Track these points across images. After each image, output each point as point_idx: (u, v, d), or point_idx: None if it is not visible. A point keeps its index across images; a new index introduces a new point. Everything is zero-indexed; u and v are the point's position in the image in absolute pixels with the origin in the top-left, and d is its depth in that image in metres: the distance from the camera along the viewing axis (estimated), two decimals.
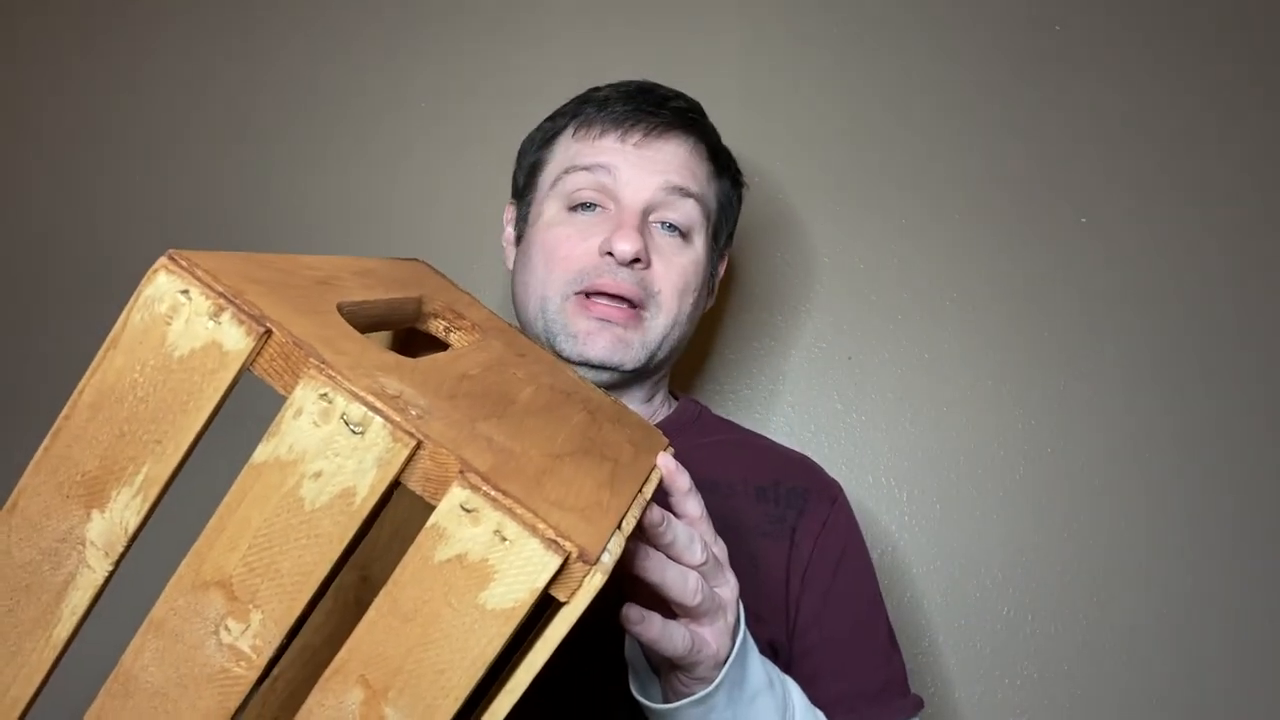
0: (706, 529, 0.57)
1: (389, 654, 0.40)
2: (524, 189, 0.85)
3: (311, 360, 0.39)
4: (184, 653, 0.41)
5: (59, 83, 1.21)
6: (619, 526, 0.45)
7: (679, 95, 0.84)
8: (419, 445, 0.39)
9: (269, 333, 0.39)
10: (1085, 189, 1.08)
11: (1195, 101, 1.09)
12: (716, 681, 0.57)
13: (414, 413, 0.40)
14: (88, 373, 0.40)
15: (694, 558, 0.54)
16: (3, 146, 1.21)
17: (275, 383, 0.40)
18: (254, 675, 0.41)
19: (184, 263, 0.39)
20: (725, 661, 0.57)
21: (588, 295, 0.77)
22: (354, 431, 0.39)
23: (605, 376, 0.78)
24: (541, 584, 0.39)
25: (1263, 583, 1.01)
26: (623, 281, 0.76)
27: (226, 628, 0.40)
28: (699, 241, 0.81)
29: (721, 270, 0.90)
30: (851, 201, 1.10)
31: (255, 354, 0.40)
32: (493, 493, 0.39)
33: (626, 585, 0.54)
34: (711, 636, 0.56)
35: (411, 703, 0.40)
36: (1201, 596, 1.02)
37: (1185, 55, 1.09)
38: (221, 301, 0.39)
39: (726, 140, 0.87)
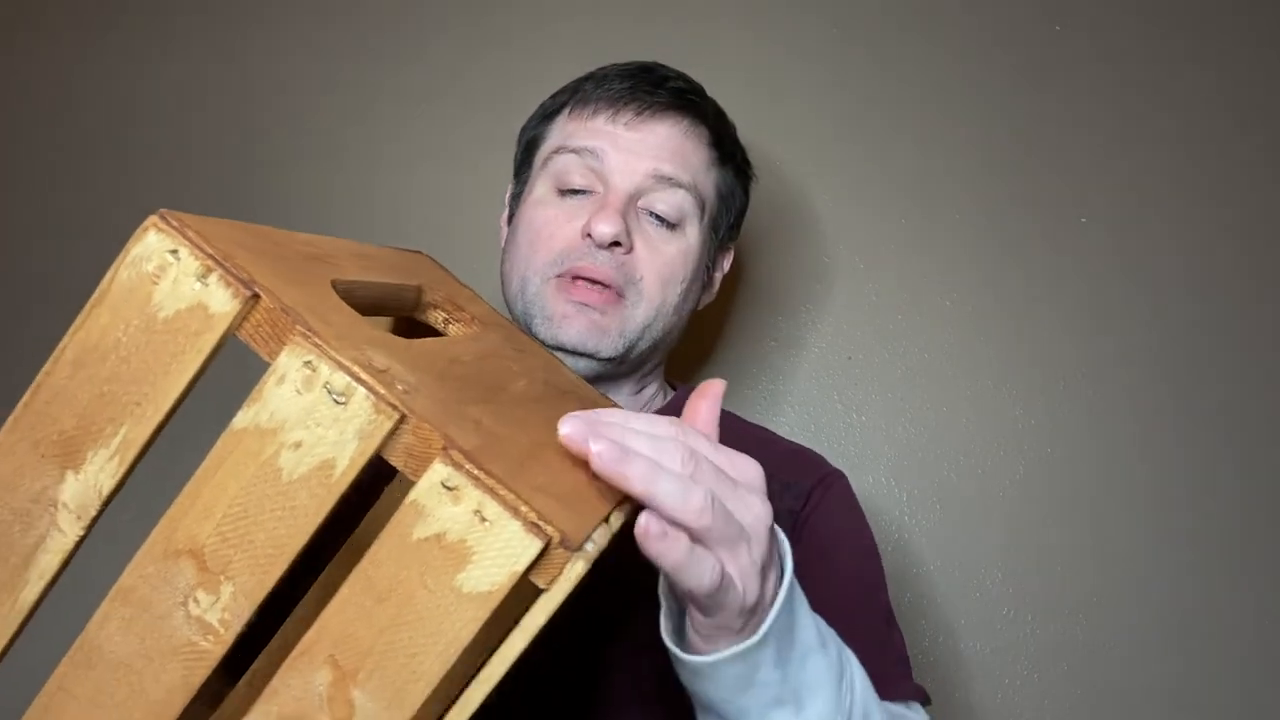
0: (701, 443, 0.45)
1: (360, 634, 0.39)
2: (520, 166, 0.84)
3: (298, 327, 0.39)
4: (151, 623, 0.40)
5: (60, 80, 1.22)
6: (606, 520, 0.44)
7: (680, 76, 0.81)
8: (402, 419, 0.38)
9: (256, 297, 0.39)
10: (1085, 189, 1.08)
11: (1196, 101, 1.08)
12: (764, 630, 0.46)
13: (400, 387, 0.39)
14: (71, 329, 0.39)
15: (672, 463, 0.42)
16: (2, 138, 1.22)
17: (260, 349, 0.39)
18: (221, 650, 0.40)
19: (174, 222, 0.39)
20: (757, 608, 0.46)
21: (569, 278, 0.74)
22: (336, 401, 0.38)
23: (582, 364, 0.76)
24: (521, 568, 0.38)
25: (1264, 582, 1.00)
26: (602, 265, 0.73)
27: (196, 599, 0.39)
28: (691, 232, 0.78)
29: (726, 264, 0.87)
30: (852, 201, 1.10)
31: (241, 318, 0.39)
32: (475, 471, 0.38)
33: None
34: (736, 573, 0.44)
35: (381, 686, 0.39)
36: (1202, 596, 1.00)
37: (1186, 55, 1.09)
38: (210, 263, 0.38)
39: None
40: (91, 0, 1.23)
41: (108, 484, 0.40)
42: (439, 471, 0.38)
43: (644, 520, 0.41)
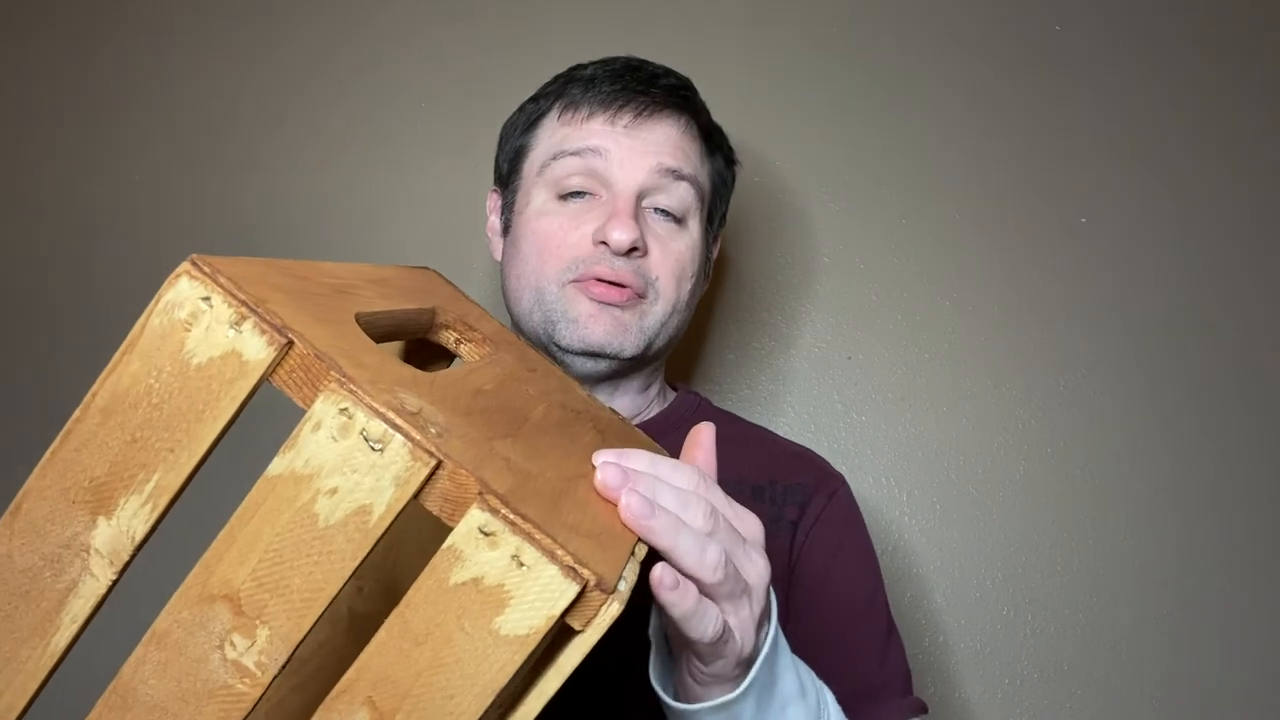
0: (718, 497, 0.49)
1: (398, 676, 0.39)
2: (508, 175, 0.83)
3: (332, 373, 0.39)
4: (186, 666, 0.40)
5: (58, 89, 1.20)
6: (633, 553, 0.44)
7: (668, 72, 0.81)
8: (439, 465, 0.39)
9: (290, 344, 0.39)
10: (1085, 189, 1.09)
11: (1196, 101, 1.09)
12: (745, 685, 0.50)
13: (433, 431, 0.40)
14: (101, 376, 0.39)
15: (695, 520, 0.45)
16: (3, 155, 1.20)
17: (294, 394, 0.39)
18: (257, 693, 0.40)
19: (206, 269, 0.39)
20: (753, 660, 0.50)
21: (586, 281, 0.75)
22: (373, 448, 0.38)
23: (604, 365, 0.77)
24: (558, 611, 0.38)
25: (1262, 582, 1.02)
26: (620, 270, 0.74)
27: (232, 643, 0.40)
28: (694, 225, 0.80)
29: (715, 251, 0.88)
30: (852, 201, 1.10)
31: (275, 365, 0.39)
32: (512, 516, 0.38)
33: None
34: (736, 626, 0.48)
35: None
36: (1201, 596, 1.02)
37: (1186, 55, 1.10)
38: (244, 310, 0.38)
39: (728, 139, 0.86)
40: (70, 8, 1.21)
41: (141, 529, 0.40)
42: (476, 517, 0.38)
43: (659, 571, 0.44)
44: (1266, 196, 1.08)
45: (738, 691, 0.50)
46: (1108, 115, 1.09)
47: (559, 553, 0.38)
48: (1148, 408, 1.05)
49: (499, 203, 0.86)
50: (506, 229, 0.83)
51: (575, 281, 0.75)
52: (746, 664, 0.50)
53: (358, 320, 0.46)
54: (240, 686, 0.40)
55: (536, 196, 0.79)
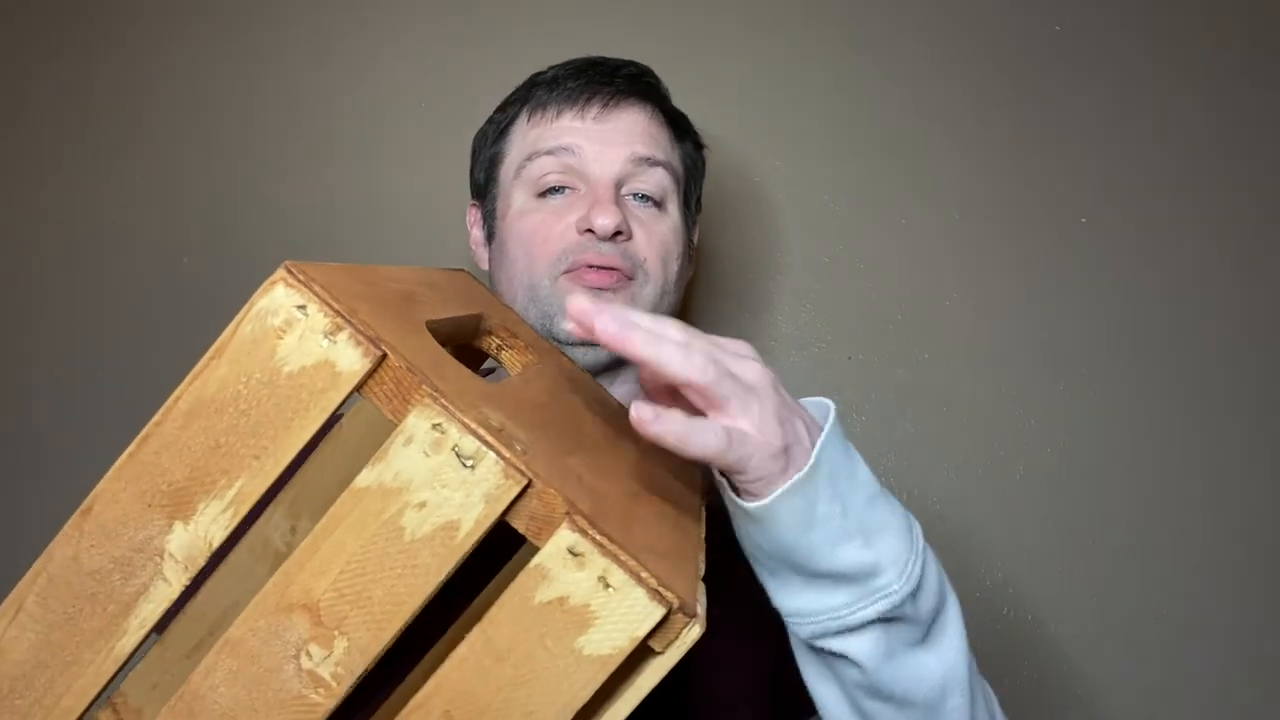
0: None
1: (477, 691, 0.39)
2: (485, 184, 0.84)
3: (424, 388, 0.38)
4: (259, 675, 0.40)
5: (60, 90, 1.18)
6: (697, 571, 0.45)
7: (629, 63, 0.83)
8: (529, 484, 0.39)
9: (384, 356, 0.38)
10: (1085, 189, 1.08)
11: (1195, 101, 1.09)
12: (812, 460, 0.47)
13: (519, 448, 0.40)
14: (186, 380, 0.39)
15: (671, 333, 0.44)
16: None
17: (383, 406, 0.39)
18: (331, 704, 0.40)
19: (301, 276, 0.38)
20: (789, 448, 0.46)
21: (578, 270, 0.76)
22: (465, 465, 0.38)
23: (605, 354, 0.77)
24: (642, 633, 0.39)
25: (1265, 582, 1.02)
26: (608, 255, 0.75)
27: (308, 653, 0.39)
28: (673, 208, 0.81)
29: (695, 236, 0.89)
30: (852, 201, 1.10)
31: (368, 377, 0.39)
32: (599, 537, 0.39)
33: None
34: (750, 424, 0.45)
35: None
36: (1203, 596, 1.02)
37: (1185, 55, 1.10)
38: (339, 320, 0.38)
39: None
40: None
41: (219, 536, 0.39)
42: (566, 538, 0.38)
43: (634, 411, 0.42)
44: (1267, 196, 1.07)
45: (806, 467, 0.46)
46: (1108, 115, 1.09)
47: (644, 575, 0.39)
48: (1147, 408, 1.05)
49: (479, 214, 0.86)
50: (491, 237, 0.84)
51: (567, 273, 0.76)
52: (785, 453, 0.46)
53: (428, 328, 0.46)
54: (314, 697, 0.40)
55: (516, 198, 0.80)
